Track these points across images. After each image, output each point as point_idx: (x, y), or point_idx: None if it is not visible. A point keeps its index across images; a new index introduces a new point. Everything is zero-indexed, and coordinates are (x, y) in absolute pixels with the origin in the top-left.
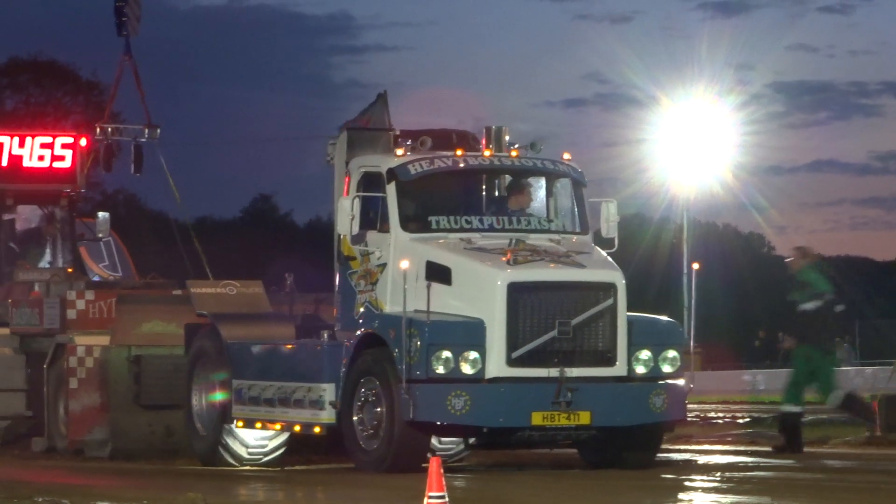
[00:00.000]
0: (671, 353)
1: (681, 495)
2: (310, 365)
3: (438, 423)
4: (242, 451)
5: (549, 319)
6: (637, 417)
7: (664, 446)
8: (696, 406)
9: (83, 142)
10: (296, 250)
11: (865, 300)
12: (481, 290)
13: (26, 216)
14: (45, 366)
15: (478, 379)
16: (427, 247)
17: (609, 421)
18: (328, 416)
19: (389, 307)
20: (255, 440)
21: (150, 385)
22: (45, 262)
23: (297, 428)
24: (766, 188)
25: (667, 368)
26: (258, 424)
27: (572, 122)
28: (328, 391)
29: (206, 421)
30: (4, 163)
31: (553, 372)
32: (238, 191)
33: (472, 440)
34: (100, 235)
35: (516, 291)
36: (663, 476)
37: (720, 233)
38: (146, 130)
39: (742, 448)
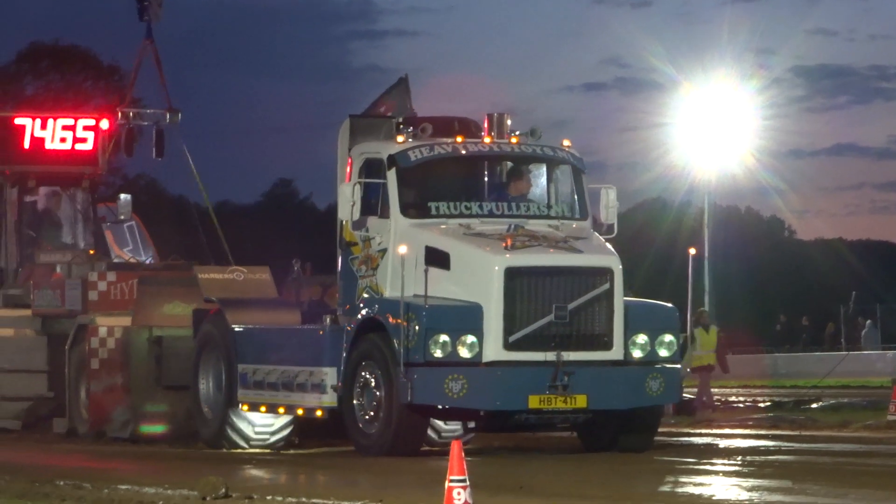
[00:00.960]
0: (668, 338)
1: (702, 479)
2: (312, 349)
3: (436, 406)
4: (249, 432)
5: (545, 304)
6: (633, 401)
7: (685, 430)
8: (716, 390)
9: (104, 124)
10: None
11: (886, 284)
12: (479, 275)
13: (46, 198)
14: (66, 347)
15: (475, 363)
16: (426, 232)
17: (605, 404)
18: (330, 399)
19: (389, 292)
20: (260, 423)
21: (170, 366)
22: (65, 242)
23: (300, 412)
24: (787, 172)
25: (663, 353)
26: (263, 408)
27: (592, 107)
28: (330, 375)
29: (212, 405)
30: (27, 145)
31: (550, 356)
32: (258, 176)
33: (470, 424)
34: (121, 217)
35: (513, 276)
36: (684, 460)
37: (741, 217)
38: (167, 115)
39: (763, 432)
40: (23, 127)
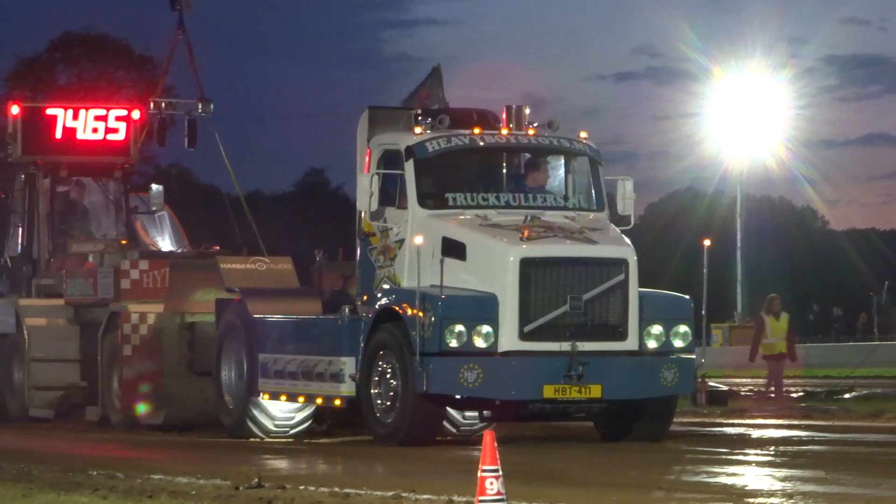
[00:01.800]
0: (682, 328)
1: (735, 469)
2: (330, 339)
3: (451, 395)
4: (270, 423)
5: (560, 294)
6: (648, 391)
7: (718, 420)
8: (749, 380)
9: (136, 114)
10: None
11: None
12: (494, 266)
13: (78, 188)
14: (98, 335)
15: (490, 352)
16: (443, 223)
17: (620, 394)
18: (348, 388)
19: (407, 282)
20: (280, 414)
21: (203, 352)
22: (97, 233)
23: (319, 401)
24: (819, 162)
25: (678, 343)
26: (283, 397)
27: (623, 96)
28: (348, 364)
29: (234, 394)
30: (59, 135)
31: (565, 346)
32: (290, 164)
33: (485, 413)
34: (153, 208)
35: (528, 266)
36: (717, 450)
37: (775, 206)
38: (199, 105)
39: (796, 422)
40: (55, 117)
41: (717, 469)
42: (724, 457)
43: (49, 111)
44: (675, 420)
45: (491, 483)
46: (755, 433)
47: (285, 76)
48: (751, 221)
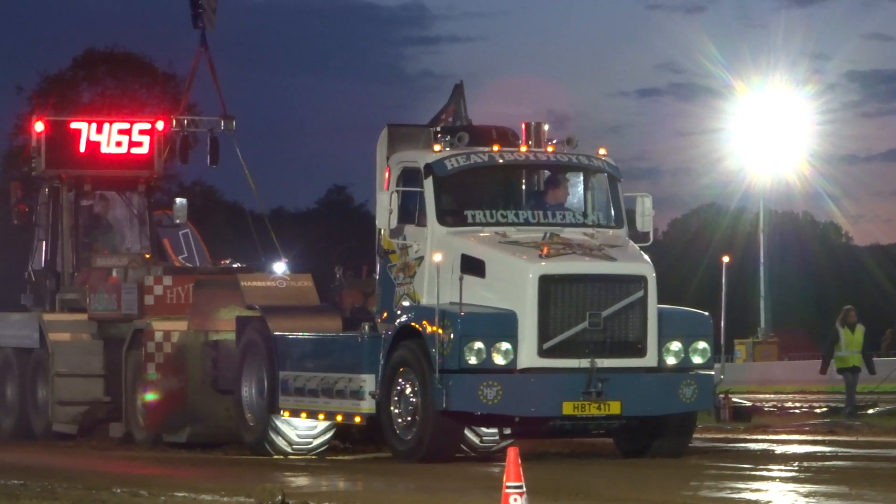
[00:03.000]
0: (701, 345)
1: (759, 485)
2: (350, 356)
3: (471, 412)
4: (291, 440)
5: (579, 311)
6: (667, 407)
7: (742, 436)
8: (773, 396)
9: (160, 125)
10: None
11: None
12: (513, 283)
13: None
14: (123, 351)
15: (510, 369)
16: (462, 240)
17: (639, 411)
18: (368, 406)
19: (426, 299)
20: (301, 430)
21: (226, 370)
22: (121, 246)
23: (339, 418)
24: (842, 177)
25: (697, 359)
26: (303, 414)
27: (646, 112)
28: (368, 382)
29: (255, 411)
30: (82, 149)
31: (584, 363)
32: (314, 181)
33: (505, 430)
34: (177, 221)
35: (547, 283)
36: (741, 465)
37: (798, 222)
38: (222, 122)
39: (820, 438)
40: (78, 131)
41: (740, 485)
42: (747, 472)
43: (73, 125)
44: (698, 436)
45: (515, 500)
46: (779, 449)
47: (308, 93)
48: (774, 237)
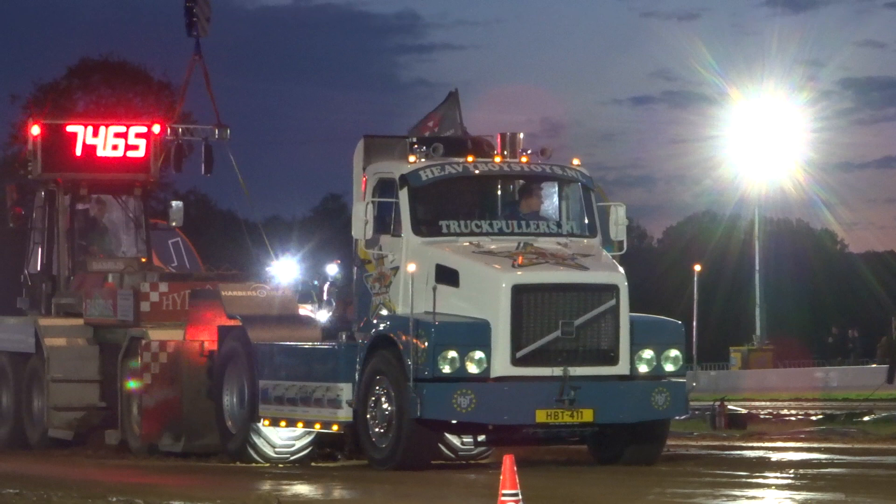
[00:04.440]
0: (673, 353)
1: (755, 492)
2: (328, 365)
3: (445, 420)
4: (269, 451)
5: (552, 320)
6: (639, 415)
7: (737, 444)
8: (768, 403)
9: (156, 129)
10: None
11: None
12: (487, 292)
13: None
14: (118, 359)
15: (483, 378)
16: (437, 250)
17: (612, 418)
18: (345, 414)
19: (402, 309)
20: (282, 439)
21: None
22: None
23: (317, 426)
24: (836, 184)
25: (669, 367)
26: (283, 423)
27: (640, 120)
28: (345, 391)
29: (235, 419)
30: (79, 152)
31: (557, 371)
32: (309, 190)
33: (479, 437)
34: (173, 224)
35: (520, 293)
36: (737, 473)
37: (793, 230)
38: (216, 130)
39: (815, 445)
40: (74, 135)
41: (736, 492)
42: (743, 480)
43: (69, 128)
44: (694, 443)
45: None
46: (774, 456)
47: (302, 101)
48: (769, 244)
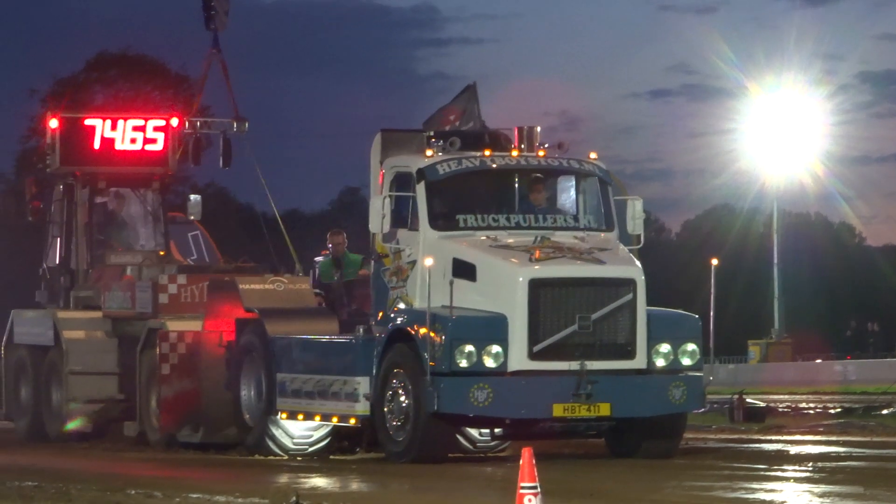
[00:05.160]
0: (690, 347)
1: (773, 485)
2: (345, 359)
3: (462, 414)
4: (288, 442)
5: (569, 314)
6: (656, 409)
7: (755, 437)
8: (786, 396)
9: (174, 121)
10: None
11: None
12: (504, 286)
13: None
14: (137, 351)
15: (500, 372)
16: (454, 244)
17: (629, 412)
18: (363, 408)
19: (419, 303)
20: (300, 430)
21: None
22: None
23: (334, 420)
24: (855, 178)
25: (686, 361)
26: (300, 416)
27: (659, 113)
28: (362, 384)
29: (253, 412)
30: (97, 146)
31: (574, 365)
32: (328, 183)
33: (496, 431)
34: (191, 217)
35: (537, 287)
36: (755, 466)
37: (812, 223)
38: (234, 124)
39: (834, 438)
40: (93, 128)
41: (755, 485)
42: (762, 473)
43: (87, 122)
44: (713, 436)
45: (530, 500)
46: (793, 449)
47: (320, 94)
48: (787, 238)
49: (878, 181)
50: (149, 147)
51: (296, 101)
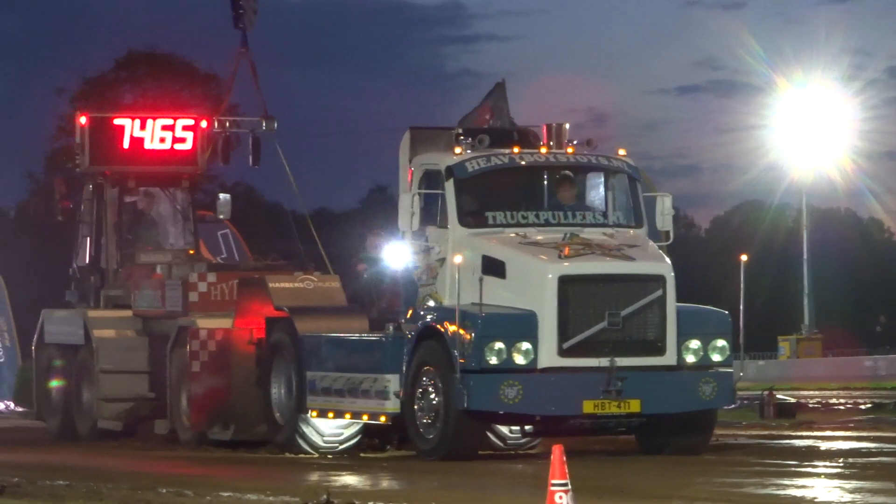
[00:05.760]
0: (720, 343)
1: (804, 481)
2: (375, 356)
3: (492, 411)
4: (318, 440)
5: (599, 311)
6: (686, 405)
7: (786, 433)
8: (817, 392)
9: (203, 123)
10: None
11: None
12: (533, 283)
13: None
14: (167, 349)
15: (530, 369)
16: (483, 241)
17: (659, 408)
18: (393, 405)
19: (448, 300)
20: (330, 428)
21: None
22: (165, 243)
23: (365, 417)
24: (883, 173)
25: (716, 357)
26: (330, 414)
27: (686, 109)
28: (392, 382)
29: (283, 410)
30: (126, 145)
31: (603, 362)
32: (357, 181)
33: (527, 428)
34: (221, 217)
35: (566, 284)
36: (786, 462)
37: (841, 218)
38: (263, 122)
39: (865, 434)
40: (122, 127)
41: (786, 481)
42: (792, 469)
43: (116, 121)
44: (743, 433)
45: (560, 497)
46: (824, 445)
47: (348, 92)
48: (816, 233)
49: None
50: (178, 146)
51: (323, 98)
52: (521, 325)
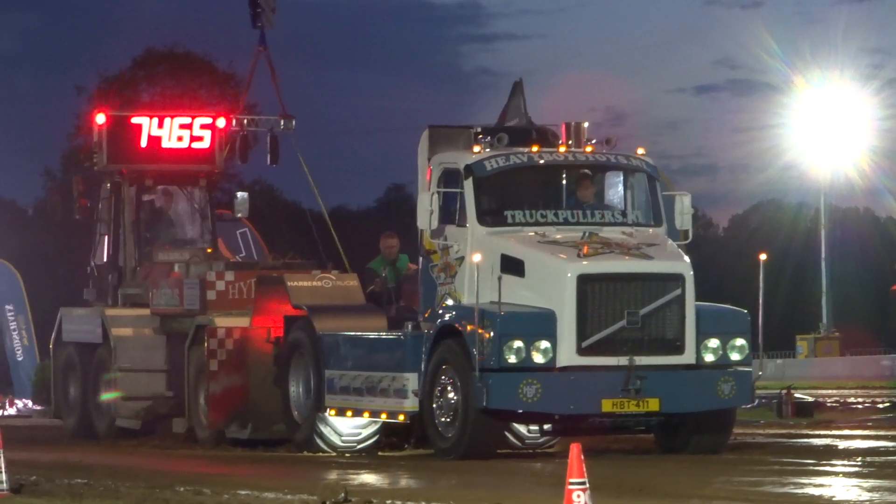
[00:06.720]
0: (739, 342)
1: (822, 480)
2: (393, 355)
3: (511, 410)
4: (336, 439)
5: (618, 309)
6: (705, 404)
7: (804, 432)
8: (835, 391)
9: (221, 122)
10: None
11: None
12: (552, 282)
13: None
14: (185, 347)
15: (549, 368)
16: (502, 240)
17: (678, 407)
18: (411, 404)
19: (467, 299)
20: (348, 427)
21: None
22: (183, 241)
23: (383, 416)
24: None
25: (735, 356)
26: (349, 413)
27: (704, 108)
28: (411, 380)
29: (301, 409)
30: (144, 143)
31: (622, 360)
32: (374, 179)
33: (545, 426)
34: (238, 215)
35: (585, 282)
36: (804, 461)
37: (859, 217)
38: (281, 121)
39: (883, 433)
40: (140, 126)
41: (804, 480)
42: (810, 468)
43: (134, 120)
44: (761, 431)
45: (578, 496)
46: (842, 444)
47: (366, 91)
48: (834, 232)
49: None
50: (196, 145)
51: (341, 97)
52: (541, 324)
